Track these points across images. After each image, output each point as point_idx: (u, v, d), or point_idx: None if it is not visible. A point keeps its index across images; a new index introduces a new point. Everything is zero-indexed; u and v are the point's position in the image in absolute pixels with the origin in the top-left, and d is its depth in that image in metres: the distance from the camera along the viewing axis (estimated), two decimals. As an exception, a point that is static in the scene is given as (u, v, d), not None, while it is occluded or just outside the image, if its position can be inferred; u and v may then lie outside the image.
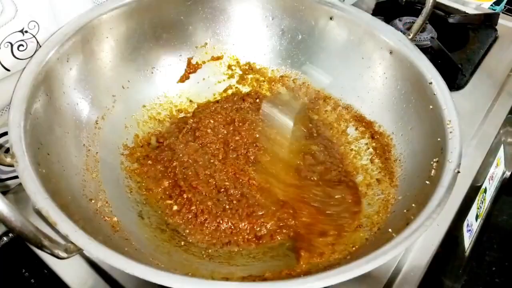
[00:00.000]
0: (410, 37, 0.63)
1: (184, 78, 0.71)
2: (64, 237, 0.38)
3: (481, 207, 0.71)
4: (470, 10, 0.99)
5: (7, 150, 0.44)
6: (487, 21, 0.95)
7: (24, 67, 0.51)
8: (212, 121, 0.66)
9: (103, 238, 0.42)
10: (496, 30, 0.95)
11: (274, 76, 0.74)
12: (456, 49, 0.88)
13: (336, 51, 0.69)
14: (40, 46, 0.54)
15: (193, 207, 0.57)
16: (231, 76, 0.74)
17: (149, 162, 0.62)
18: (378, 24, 0.66)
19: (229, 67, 0.73)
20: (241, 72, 0.74)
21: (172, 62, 0.70)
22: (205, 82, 0.72)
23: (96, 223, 0.48)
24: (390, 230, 0.48)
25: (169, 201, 0.59)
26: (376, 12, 0.69)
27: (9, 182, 0.62)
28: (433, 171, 0.51)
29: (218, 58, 0.73)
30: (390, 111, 0.63)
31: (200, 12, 0.69)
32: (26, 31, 0.54)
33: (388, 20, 0.86)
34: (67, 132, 0.54)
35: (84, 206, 0.49)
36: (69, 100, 0.56)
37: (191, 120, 0.67)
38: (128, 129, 0.64)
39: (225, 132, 0.65)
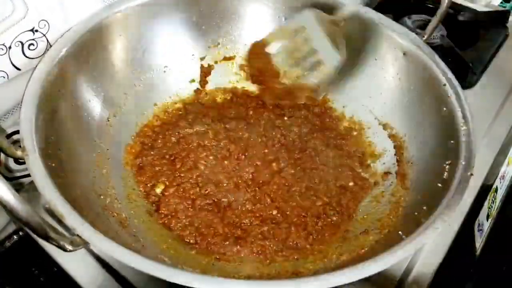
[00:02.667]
0: (424, 38, 0.63)
1: (203, 84, 0.72)
2: (71, 231, 0.38)
3: (492, 207, 0.70)
4: (480, 8, 0.96)
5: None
6: (498, 19, 0.94)
7: (37, 63, 0.51)
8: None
9: (111, 234, 0.42)
10: (506, 28, 0.93)
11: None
12: (466, 47, 0.85)
13: (348, 51, 0.68)
14: (51, 46, 0.54)
15: None
16: (243, 76, 0.73)
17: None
18: (392, 24, 0.65)
19: (241, 67, 0.73)
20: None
21: (185, 61, 0.70)
22: (217, 81, 0.72)
23: (104, 219, 0.48)
24: (400, 232, 0.47)
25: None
26: (385, 9, 0.68)
27: (22, 180, 0.63)
28: (445, 173, 0.50)
29: (230, 58, 0.73)
30: (403, 112, 0.63)
31: (213, 12, 0.69)
32: (37, 30, 0.54)
33: (397, 17, 0.84)
34: (78, 128, 0.55)
35: (93, 201, 0.50)
36: (81, 97, 0.56)
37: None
38: (139, 127, 0.64)
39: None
